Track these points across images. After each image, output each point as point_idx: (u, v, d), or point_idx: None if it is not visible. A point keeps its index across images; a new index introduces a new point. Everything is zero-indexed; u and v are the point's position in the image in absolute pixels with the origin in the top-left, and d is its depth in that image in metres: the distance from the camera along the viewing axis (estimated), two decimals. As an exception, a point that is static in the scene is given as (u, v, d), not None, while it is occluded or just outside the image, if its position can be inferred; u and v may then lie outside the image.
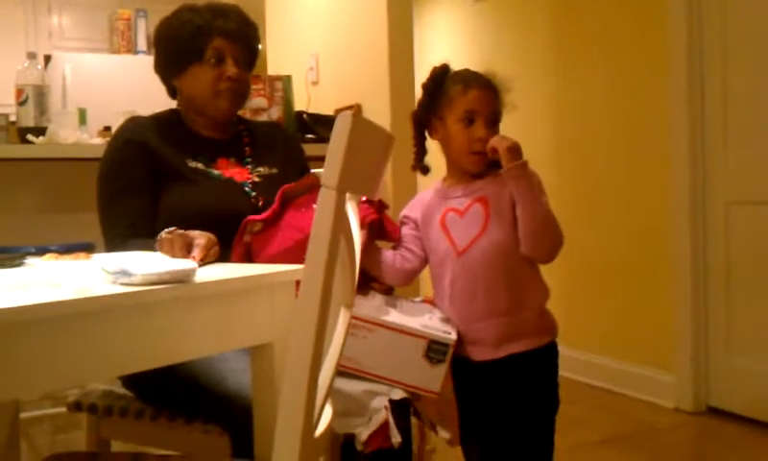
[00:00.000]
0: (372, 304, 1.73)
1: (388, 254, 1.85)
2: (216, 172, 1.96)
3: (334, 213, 1.00)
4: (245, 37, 2.03)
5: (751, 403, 3.29)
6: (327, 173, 1.00)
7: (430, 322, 1.74)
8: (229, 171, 1.99)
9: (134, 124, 1.99)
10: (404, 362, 1.68)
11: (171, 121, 2.02)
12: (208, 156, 1.98)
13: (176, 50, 1.98)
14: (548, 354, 1.79)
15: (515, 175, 1.70)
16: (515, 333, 1.75)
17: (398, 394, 1.78)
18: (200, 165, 1.95)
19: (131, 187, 1.90)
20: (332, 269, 1.02)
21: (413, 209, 1.88)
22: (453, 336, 1.70)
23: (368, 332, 1.66)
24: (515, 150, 1.70)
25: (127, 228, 1.86)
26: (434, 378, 1.69)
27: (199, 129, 2.03)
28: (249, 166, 2.03)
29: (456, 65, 1.88)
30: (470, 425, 1.83)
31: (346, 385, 1.76)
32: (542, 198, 1.73)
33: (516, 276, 1.75)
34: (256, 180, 2.00)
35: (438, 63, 1.88)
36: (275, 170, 2.04)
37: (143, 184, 1.90)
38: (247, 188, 1.97)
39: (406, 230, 1.87)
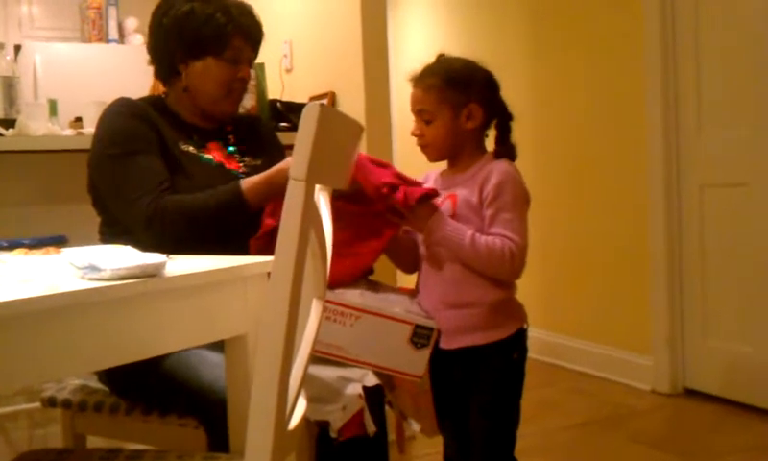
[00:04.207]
0: (355, 291, 1.74)
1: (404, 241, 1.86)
2: (207, 156, 1.94)
3: (303, 205, 0.99)
4: (258, 41, 2.03)
5: (726, 384, 3.33)
6: (296, 165, 0.99)
7: (412, 307, 1.77)
8: (220, 156, 1.97)
9: (130, 100, 1.94)
10: (389, 348, 1.70)
11: (157, 105, 1.98)
12: (198, 140, 1.96)
13: (195, 38, 1.92)
14: (502, 349, 1.77)
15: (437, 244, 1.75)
16: (464, 327, 1.75)
17: (372, 381, 1.78)
18: (191, 149, 1.92)
19: (149, 149, 1.84)
20: (302, 261, 1.02)
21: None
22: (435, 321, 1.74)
23: (354, 320, 1.68)
24: (421, 215, 1.73)
25: (159, 185, 1.79)
26: (418, 363, 1.72)
27: (186, 116, 1.99)
28: (236, 156, 2.01)
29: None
30: (440, 408, 1.87)
31: (319, 371, 1.76)
32: (462, 252, 1.72)
33: (468, 273, 1.75)
34: (244, 170, 1.97)
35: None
36: (259, 162, 2.01)
37: (157, 148, 1.85)
38: (241, 177, 1.90)
39: None
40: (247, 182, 1.82)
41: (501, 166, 1.78)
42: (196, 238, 1.76)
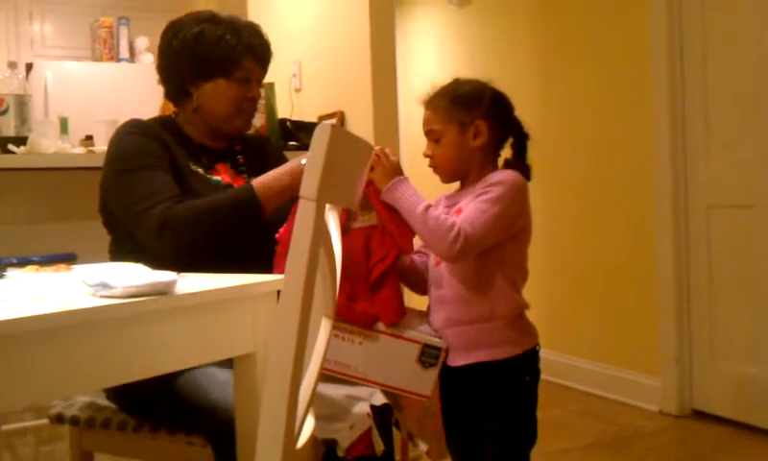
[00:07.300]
0: None
1: (417, 262, 1.85)
2: (216, 178, 1.95)
3: (313, 224, 1.00)
4: (267, 61, 2.05)
5: (735, 406, 3.31)
6: (307, 184, 1.00)
7: (422, 326, 1.76)
8: (229, 178, 1.98)
9: (140, 121, 1.96)
10: (398, 367, 1.69)
11: (168, 126, 2.00)
12: (207, 162, 1.97)
13: (205, 59, 1.94)
14: (512, 370, 1.75)
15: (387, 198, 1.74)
16: (476, 343, 1.73)
17: (380, 399, 1.78)
18: (200, 170, 1.94)
19: (160, 165, 1.85)
20: (312, 280, 1.02)
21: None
22: (444, 340, 1.72)
23: (363, 338, 1.68)
24: (387, 173, 1.73)
25: (171, 197, 1.78)
26: (426, 382, 1.71)
27: (196, 136, 2.01)
28: (244, 175, 2.02)
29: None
30: (449, 428, 1.84)
31: (327, 389, 1.76)
32: (411, 217, 1.70)
33: (481, 288, 1.73)
34: None
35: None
36: None
37: (168, 165, 1.86)
38: None
39: None
40: (258, 181, 1.84)
41: (506, 172, 1.77)
42: (209, 246, 1.76)
